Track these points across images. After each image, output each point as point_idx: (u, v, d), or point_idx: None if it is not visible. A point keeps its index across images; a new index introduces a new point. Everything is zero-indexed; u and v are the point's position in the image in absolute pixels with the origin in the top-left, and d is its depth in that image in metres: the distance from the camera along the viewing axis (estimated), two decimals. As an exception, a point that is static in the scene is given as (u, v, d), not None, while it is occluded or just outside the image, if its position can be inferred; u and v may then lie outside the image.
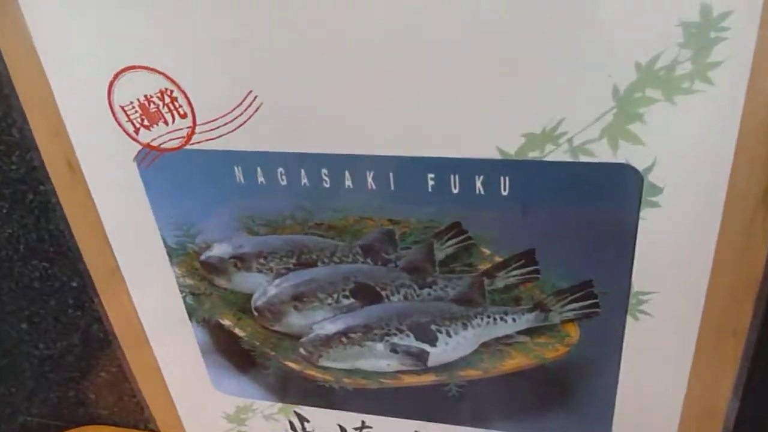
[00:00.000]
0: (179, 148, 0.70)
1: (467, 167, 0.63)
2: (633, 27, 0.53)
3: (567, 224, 0.64)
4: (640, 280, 0.66)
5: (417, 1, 0.56)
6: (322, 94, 0.62)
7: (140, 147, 0.71)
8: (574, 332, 0.71)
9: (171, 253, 0.79)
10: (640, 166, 0.59)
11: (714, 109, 0.55)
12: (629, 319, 0.69)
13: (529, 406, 0.79)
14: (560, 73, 0.56)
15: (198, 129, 0.68)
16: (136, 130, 0.70)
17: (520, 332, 0.73)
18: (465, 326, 0.74)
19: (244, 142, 0.67)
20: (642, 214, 0.62)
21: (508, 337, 0.73)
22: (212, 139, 0.68)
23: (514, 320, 0.72)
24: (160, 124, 0.69)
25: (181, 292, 0.82)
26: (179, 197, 0.74)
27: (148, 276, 0.83)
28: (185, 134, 0.69)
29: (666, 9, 0.52)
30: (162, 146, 0.70)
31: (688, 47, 0.53)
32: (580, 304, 0.69)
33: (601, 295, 0.68)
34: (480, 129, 0.61)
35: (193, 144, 0.69)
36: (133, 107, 0.68)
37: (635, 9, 0.52)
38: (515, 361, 0.75)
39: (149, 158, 0.72)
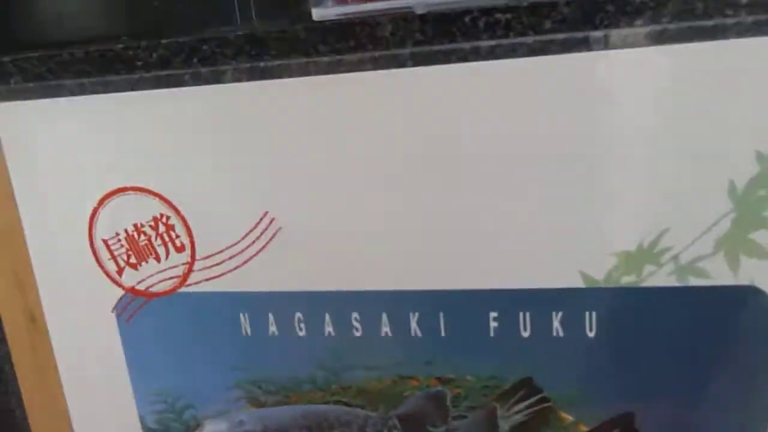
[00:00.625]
0: (172, 291, 0.56)
1: (541, 301, 0.49)
2: (752, 110, 0.43)
3: (676, 374, 0.49)
4: (777, 449, 0.49)
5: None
6: (357, 214, 0.50)
7: (122, 293, 0.57)
8: None
9: (148, 436, 0.61)
10: None
11: None
12: None
13: None
14: (661, 171, 0.45)
15: (197, 266, 0.55)
16: (120, 271, 0.56)
17: None
18: None
19: (254, 280, 0.54)
20: (777, 356, 0.47)
21: None
22: (214, 277, 0.55)
23: None
24: (151, 261, 0.56)
25: (157, 493, 0.63)
26: (165, 358, 0.58)
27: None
28: (181, 273, 0.55)
29: (791, 84, 0.42)
30: (150, 290, 0.56)
31: (823, 130, 0.43)
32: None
33: (725, 475, 0.50)
34: (557, 249, 0.48)
35: (189, 285, 0.55)
36: (119, 240, 0.55)
37: (754, 88, 0.43)
38: None
39: (132, 307, 0.57)
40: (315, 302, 0.53)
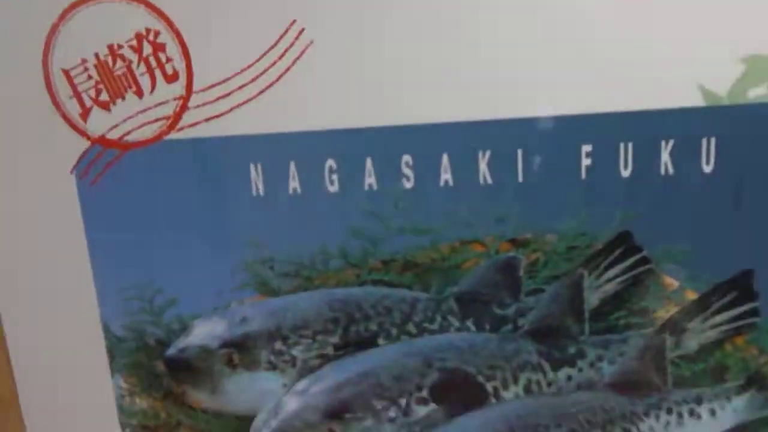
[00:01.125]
0: (156, 138, 0.42)
1: (647, 128, 0.39)
2: None
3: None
4: None
5: None
6: (409, 24, 0.39)
7: (87, 145, 0.43)
8: (813, 426, 0.43)
9: (114, 348, 0.46)
10: None
11: None
12: None
13: None
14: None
15: (194, 101, 0.42)
16: (85, 113, 0.42)
17: (720, 437, 0.44)
18: (627, 436, 0.44)
19: (271, 118, 0.41)
20: None
21: (701, 448, 0.44)
22: (217, 116, 0.42)
23: (712, 413, 0.44)
24: (129, 97, 0.42)
25: (123, 427, 0.48)
26: (142, 236, 0.44)
27: (68, 392, 0.48)
28: (171, 112, 0.42)
29: None
30: (126, 138, 0.42)
31: None
32: (829, 366, 0.42)
33: None
34: (670, 59, 0.38)
35: (181, 129, 0.42)
36: (85, 70, 0.42)
37: None
38: (710, 497, 0.44)
39: (100, 165, 0.43)
40: (353, 144, 0.41)
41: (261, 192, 0.42)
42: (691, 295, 0.42)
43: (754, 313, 0.42)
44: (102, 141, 0.43)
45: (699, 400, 0.44)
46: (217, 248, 0.44)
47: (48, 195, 0.44)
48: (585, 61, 0.39)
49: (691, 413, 0.44)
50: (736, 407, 0.44)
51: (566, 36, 0.39)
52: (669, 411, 0.44)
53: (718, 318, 0.42)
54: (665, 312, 0.42)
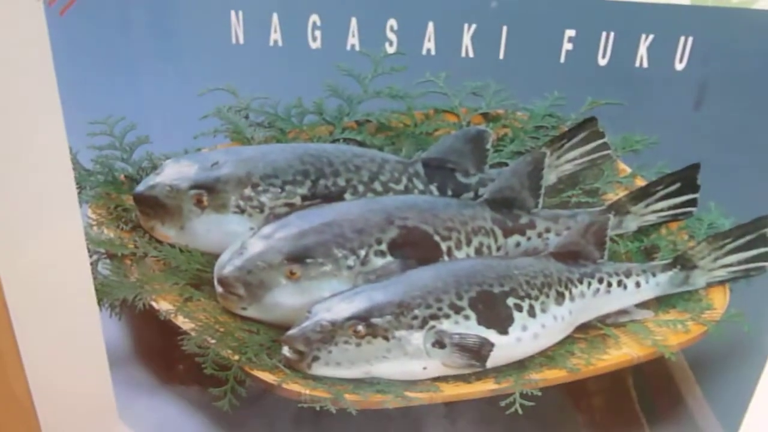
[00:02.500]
0: (133, -29, 0.40)
1: (631, 20, 0.40)
2: None
3: (760, 123, 0.43)
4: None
5: None
6: None
7: (56, -32, 0.40)
8: (720, 302, 0.49)
9: (82, 179, 0.47)
10: None
11: None
12: (804, 279, 0.48)
13: (627, 421, 0.54)
14: None
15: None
16: (54, -67, 0.39)
17: (639, 305, 0.50)
18: (561, 298, 0.49)
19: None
20: None
21: (621, 313, 0.50)
22: (199, -45, 0.39)
23: (638, 285, 0.49)
24: None
25: (91, 253, 0.49)
26: (113, 68, 0.43)
27: (31, 224, 0.49)
28: (149, -57, 0.39)
29: None
30: (100, -33, 0.40)
31: None
32: (745, 255, 0.47)
33: (778, 237, 0.46)
34: (666, -49, 0.38)
35: (160, -36, 0.40)
36: None
37: None
38: (621, 353, 0.51)
39: (70, -7, 0.41)
40: (338, 1, 0.40)
41: (240, 40, 0.42)
42: (640, 182, 0.45)
43: (692, 203, 0.46)
44: (73, -34, 0.40)
45: (628, 273, 0.49)
46: (192, 92, 0.43)
47: (16, 25, 0.42)
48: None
49: (619, 284, 0.49)
50: (659, 281, 0.49)
51: None
52: (600, 280, 0.49)
53: (660, 204, 0.46)
54: (614, 195, 0.46)
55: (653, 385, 0.52)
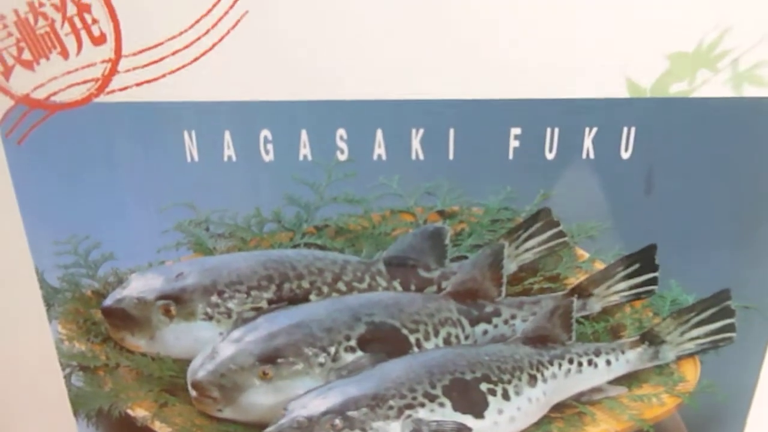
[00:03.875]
0: (85, 101, 0.41)
1: (573, 116, 0.41)
2: None
3: (710, 202, 0.44)
4: (798, 284, 0.46)
5: None
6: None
7: (10, 103, 0.41)
8: (691, 373, 0.50)
9: (50, 297, 0.47)
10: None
11: None
12: (772, 347, 0.48)
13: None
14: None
15: (123, 65, 0.40)
16: (7, 71, 0.41)
17: (613, 382, 0.50)
18: (533, 380, 0.49)
19: (205, 85, 0.41)
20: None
21: (595, 391, 0.50)
22: (148, 81, 0.41)
23: (608, 363, 0.49)
24: (54, 57, 0.40)
25: (64, 366, 0.50)
26: (74, 193, 0.44)
27: (1, 342, 0.50)
28: (99, 74, 0.41)
29: None
30: (53, 99, 0.41)
31: None
32: (710, 327, 0.47)
33: (739, 311, 0.47)
34: (600, 50, 0.39)
35: (111, 93, 0.41)
36: (4, 27, 0.39)
37: None
38: (600, 430, 0.51)
39: (26, 124, 0.42)
40: (288, 115, 0.41)
41: (195, 158, 0.43)
42: (600, 265, 0.46)
43: (653, 282, 0.46)
44: (26, 100, 0.41)
45: (597, 352, 0.49)
46: (151, 209, 0.44)
47: (-27, 153, 0.43)
48: (521, 51, 0.40)
49: (590, 363, 0.49)
50: (629, 358, 0.49)
51: (504, 23, 0.39)
52: (570, 361, 0.49)
53: (622, 285, 0.46)
54: (575, 279, 0.46)
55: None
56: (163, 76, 0.40)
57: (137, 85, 0.41)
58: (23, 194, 0.44)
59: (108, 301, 0.47)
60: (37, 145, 0.43)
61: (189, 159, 0.43)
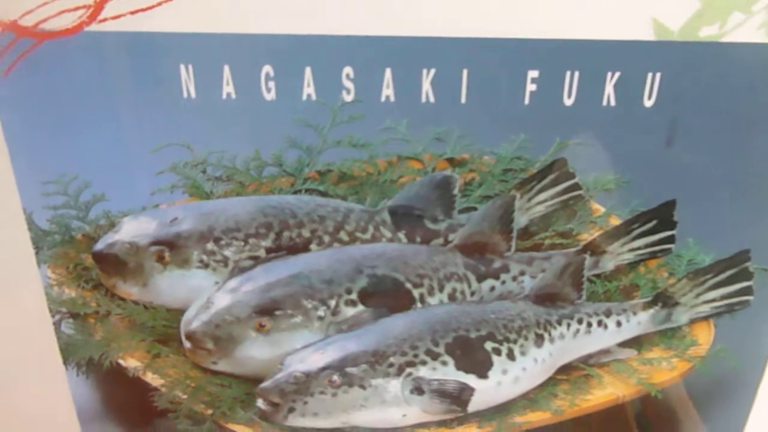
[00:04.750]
0: (76, 30, 0.39)
1: (596, 58, 0.38)
2: None
3: (734, 158, 0.41)
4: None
5: None
6: None
7: (-3, 30, 0.39)
8: (704, 337, 0.48)
9: (39, 239, 0.45)
10: None
11: None
12: (790, 311, 0.46)
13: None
14: None
15: (117, -9, 0.38)
16: (-8, -6, 0.38)
17: (623, 344, 0.48)
18: (540, 340, 0.47)
19: (203, 16, 0.38)
20: None
21: (603, 353, 0.48)
22: (143, 10, 0.38)
23: (618, 324, 0.47)
24: (43, -20, 0.38)
25: (53, 313, 0.48)
26: (64, 129, 0.42)
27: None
28: (92, 1, 0.38)
29: None
30: (42, 27, 0.39)
31: None
32: (727, 289, 0.45)
33: (758, 273, 0.45)
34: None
35: (103, 21, 0.38)
36: (-10, -56, 0.37)
37: None
38: (606, 393, 0.49)
39: (13, 53, 0.40)
40: (291, 51, 0.39)
41: (192, 94, 0.40)
42: (615, 221, 0.44)
43: (670, 240, 0.44)
44: (14, 27, 0.39)
45: (608, 313, 0.47)
46: (145, 148, 0.42)
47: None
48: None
49: (600, 324, 0.47)
50: (641, 320, 0.47)
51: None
52: (580, 321, 0.47)
53: (637, 243, 0.44)
54: (589, 235, 0.44)
55: (652, 412, 0.51)
56: (159, 4, 0.38)
57: (131, 13, 0.38)
58: (9, 129, 0.42)
59: (99, 246, 0.45)
60: (25, 77, 0.40)
61: (185, 95, 0.40)
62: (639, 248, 0.44)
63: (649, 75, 0.39)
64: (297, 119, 0.40)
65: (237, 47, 0.39)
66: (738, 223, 0.44)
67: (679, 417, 0.51)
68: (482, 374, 0.47)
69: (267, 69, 0.40)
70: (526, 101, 0.40)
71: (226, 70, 0.40)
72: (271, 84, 0.40)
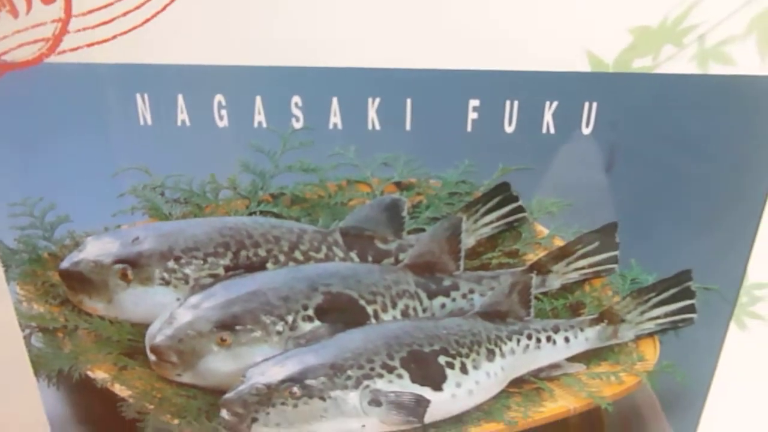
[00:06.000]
0: (36, 61, 0.41)
1: (534, 88, 0.40)
2: None
3: (673, 181, 0.43)
4: (759, 266, 0.45)
5: None
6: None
7: (-39, 61, 0.41)
8: (651, 353, 0.49)
9: (7, 258, 0.47)
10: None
11: None
12: (732, 328, 0.48)
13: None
14: None
15: (74, 25, 0.40)
16: (-45, 28, 0.40)
17: (571, 359, 0.50)
18: (491, 355, 0.49)
19: (158, 47, 0.40)
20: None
21: (553, 367, 0.50)
22: (99, 42, 0.40)
23: (566, 340, 0.49)
24: (3, 15, 0.39)
25: (23, 327, 0.50)
26: (27, 154, 0.43)
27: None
28: (50, 34, 0.40)
29: None
30: (4, 58, 0.40)
31: None
32: (670, 307, 0.47)
33: (700, 292, 0.46)
34: (560, 23, 0.38)
35: (62, 53, 0.40)
36: (-48, -19, 0.39)
37: None
38: (558, 406, 0.51)
39: (-23, 83, 0.41)
40: (243, 81, 0.41)
41: (149, 121, 0.42)
42: (559, 242, 0.45)
43: (613, 260, 0.45)
44: (-23, 58, 0.41)
45: (556, 329, 0.49)
46: (106, 172, 0.44)
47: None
48: (481, 20, 0.38)
49: (548, 339, 0.49)
50: (588, 336, 0.49)
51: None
52: (529, 337, 0.49)
53: (581, 263, 0.46)
54: (534, 255, 0.46)
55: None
56: (114, 37, 0.40)
57: (88, 45, 0.40)
58: (-24, 154, 0.44)
59: (65, 264, 0.47)
60: (-11, 105, 0.42)
61: (142, 122, 0.42)
62: (583, 268, 0.46)
63: (586, 104, 0.41)
64: (250, 145, 0.42)
65: (189, 77, 0.40)
66: (679, 244, 0.45)
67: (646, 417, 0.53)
68: (437, 387, 0.49)
69: (219, 98, 0.41)
70: (469, 128, 0.41)
71: (180, 99, 0.41)
72: (224, 112, 0.42)
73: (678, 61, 0.39)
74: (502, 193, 0.43)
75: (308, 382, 0.48)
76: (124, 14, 0.39)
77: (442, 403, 0.49)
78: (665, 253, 0.45)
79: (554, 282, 0.47)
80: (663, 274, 0.46)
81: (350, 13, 0.39)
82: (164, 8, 0.39)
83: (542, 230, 0.45)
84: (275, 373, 0.48)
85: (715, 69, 0.40)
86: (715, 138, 0.41)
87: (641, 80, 0.40)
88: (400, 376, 0.49)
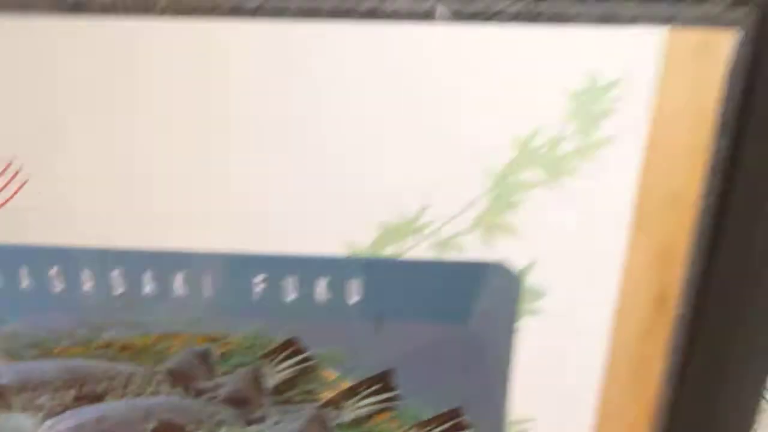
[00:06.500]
0: None
1: (306, 268, 0.49)
2: (511, 97, 0.43)
3: (431, 339, 0.51)
4: (517, 405, 0.54)
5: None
6: (110, 164, 0.46)
7: None
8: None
9: None
10: (516, 266, 0.48)
11: (603, 196, 0.46)
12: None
13: None
14: (424, 148, 0.45)
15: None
16: None
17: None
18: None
19: (2, 231, 0.49)
20: (520, 324, 0.50)
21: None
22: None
23: (360, 466, 0.57)
24: None
25: None
26: None
27: None
28: None
29: (549, 74, 0.42)
30: None
31: (574, 120, 0.44)
32: (449, 437, 0.55)
33: (473, 424, 0.54)
34: (324, 218, 0.47)
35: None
36: None
37: (513, 75, 0.43)
38: None
39: None
40: (71, 258, 0.50)
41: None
42: (346, 384, 0.54)
43: (394, 399, 0.54)
44: None
45: (355, 455, 0.57)
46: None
47: None
48: (261, 215, 0.47)
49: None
50: (383, 461, 0.57)
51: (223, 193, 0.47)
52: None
53: (366, 401, 0.54)
54: (328, 394, 0.54)
55: None
56: (-34, 224, 0.49)
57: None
58: None
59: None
60: None
61: (-6, 287, 0.51)
62: (369, 404, 0.54)
63: (350, 281, 0.50)
64: (81, 306, 0.51)
65: (30, 253, 0.50)
66: (452, 382, 0.54)
67: None
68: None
69: (53, 269, 0.50)
70: (256, 297, 0.50)
71: (24, 269, 0.51)
72: (58, 280, 0.51)
73: (420, 249, 0.48)
74: (292, 346, 0.52)
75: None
76: (-27, 207, 0.49)
77: None
78: (440, 393, 0.54)
79: (347, 415, 0.55)
80: (440, 410, 0.54)
81: (148, 198, 0.48)
82: (9, 200, 0.48)
83: (330, 374, 0.53)
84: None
85: (451, 255, 0.48)
86: (457, 311, 0.50)
87: (393, 263, 0.49)
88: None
